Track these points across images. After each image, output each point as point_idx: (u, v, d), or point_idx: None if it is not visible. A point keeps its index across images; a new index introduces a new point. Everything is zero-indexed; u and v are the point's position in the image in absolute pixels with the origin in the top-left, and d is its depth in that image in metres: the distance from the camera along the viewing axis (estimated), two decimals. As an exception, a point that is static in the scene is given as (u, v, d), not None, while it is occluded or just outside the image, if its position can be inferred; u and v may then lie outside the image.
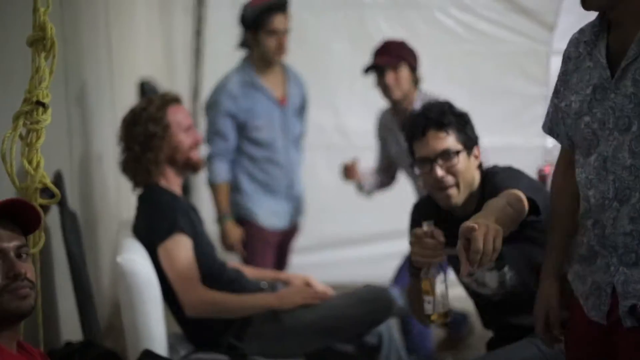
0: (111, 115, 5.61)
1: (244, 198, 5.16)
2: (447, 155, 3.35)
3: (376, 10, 6.88)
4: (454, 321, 3.64)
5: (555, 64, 2.83)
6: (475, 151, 3.44)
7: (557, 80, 2.73)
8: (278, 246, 5.37)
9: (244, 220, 5.19)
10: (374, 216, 5.67)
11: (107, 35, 5.57)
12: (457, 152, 3.36)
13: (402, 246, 5.35)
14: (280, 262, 5.48)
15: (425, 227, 3.03)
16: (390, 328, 4.09)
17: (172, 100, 4.01)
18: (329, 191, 6.44)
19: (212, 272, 3.88)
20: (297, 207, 5.35)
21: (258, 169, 5.08)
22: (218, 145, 4.95)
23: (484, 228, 2.47)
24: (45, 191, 3.17)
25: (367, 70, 4.96)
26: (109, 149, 5.43)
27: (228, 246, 4.95)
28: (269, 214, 5.18)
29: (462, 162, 3.36)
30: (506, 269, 3.37)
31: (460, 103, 6.47)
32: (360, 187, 5.24)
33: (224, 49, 6.99)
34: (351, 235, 5.90)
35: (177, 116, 3.98)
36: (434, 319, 3.04)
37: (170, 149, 3.95)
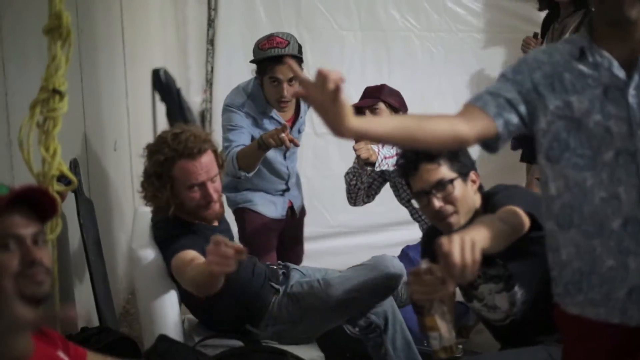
0: (125, 104, 5.65)
1: (241, 193, 5.19)
2: (441, 185, 3.39)
3: (387, 0, 6.90)
4: (457, 313, 3.66)
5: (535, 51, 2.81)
6: (472, 176, 3.47)
7: (539, 81, 2.66)
8: (284, 235, 5.40)
9: (242, 208, 5.21)
10: (384, 205, 5.68)
11: (121, 24, 5.60)
12: (452, 180, 3.39)
13: (411, 234, 5.41)
14: (293, 251, 5.51)
15: (423, 264, 3.04)
16: (395, 310, 4.11)
17: (188, 153, 3.67)
18: (341, 179, 6.47)
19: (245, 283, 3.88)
20: (294, 200, 5.38)
21: (259, 178, 5.07)
22: (237, 137, 4.83)
23: (458, 241, 2.43)
24: (61, 178, 3.21)
25: None
26: (123, 137, 5.47)
27: (275, 138, 4.41)
28: (266, 202, 5.19)
29: (458, 189, 3.40)
30: (516, 288, 3.40)
31: (471, 91, 6.51)
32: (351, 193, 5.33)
33: (237, 38, 7.03)
34: (362, 223, 5.94)
35: (185, 173, 3.69)
36: (441, 354, 3.03)
37: (177, 203, 3.74)
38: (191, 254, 3.44)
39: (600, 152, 2.54)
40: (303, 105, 5.11)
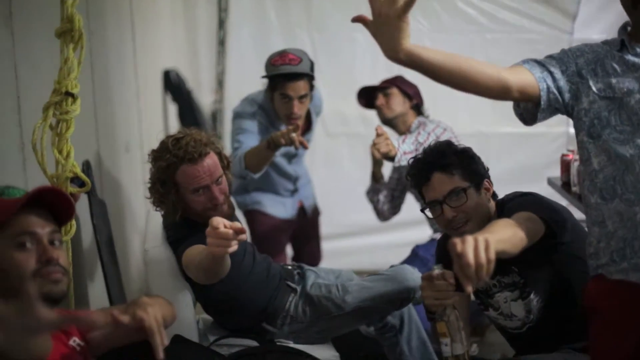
0: (136, 105, 5.65)
1: (250, 195, 5.20)
2: (454, 194, 3.34)
3: None
4: (472, 311, 3.66)
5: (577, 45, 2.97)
6: (485, 184, 3.44)
7: (582, 66, 2.87)
8: (298, 235, 5.42)
9: (251, 210, 5.23)
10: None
11: (132, 26, 5.60)
12: (464, 190, 3.35)
13: (422, 233, 5.41)
14: (308, 251, 5.53)
15: (436, 270, 3.02)
16: (411, 309, 4.12)
17: (189, 158, 3.63)
18: (353, 180, 6.47)
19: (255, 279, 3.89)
20: (305, 200, 5.39)
21: (266, 179, 5.09)
22: (247, 139, 4.80)
23: (471, 241, 2.45)
24: (74, 180, 3.22)
25: (360, 94, 5.30)
26: (135, 139, 5.47)
27: (286, 137, 4.43)
28: (275, 203, 5.22)
29: (471, 198, 3.35)
30: (532, 295, 3.37)
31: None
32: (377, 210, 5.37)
33: (248, 40, 7.04)
34: (374, 224, 5.94)
35: (187, 177, 3.66)
36: None
37: (183, 207, 3.73)
38: (200, 247, 3.41)
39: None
40: (314, 118, 5.13)
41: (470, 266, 2.41)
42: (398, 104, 5.11)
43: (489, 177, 3.48)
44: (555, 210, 3.26)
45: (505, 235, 2.72)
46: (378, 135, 4.32)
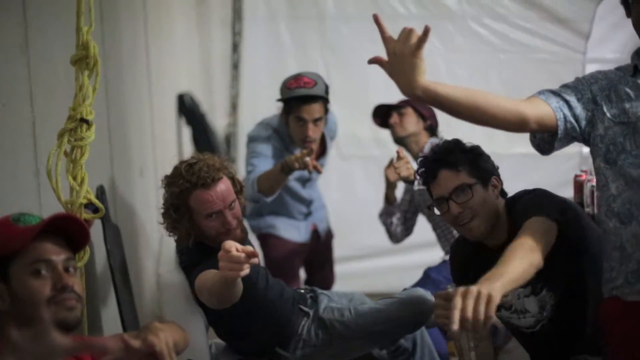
0: (150, 129, 5.67)
1: (264, 218, 5.21)
2: (460, 190, 3.36)
3: (411, 21, 6.82)
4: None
5: (591, 72, 2.99)
6: (493, 181, 3.44)
7: (597, 93, 2.90)
8: (311, 258, 5.42)
9: (265, 234, 5.24)
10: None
11: (146, 51, 5.63)
12: (470, 186, 3.36)
13: (434, 255, 5.39)
14: (322, 274, 5.53)
15: (449, 289, 3.02)
16: (423, 333, 4.12)
17: (202, 184, 3.61)
18: (367, 201, 6.45)
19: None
20: (319, 223, 5.39)
21: (280, 203, 5.10)
22: (261, 162, 4.80)
23: (474, 295, 2.49)
24: (88, 206, 3.24)
25: (375, 113, 5.23)
26: (149, 163, 5.49)
27: (300, 162, 4.47)
28: (289, 227, 5.22)
29: (477, 194, 3.36)
30: (545, 291, 3.36)
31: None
32: (390, 232, 5.34)
33: (261, 62, 7.05)
34: (387, 246, 5.94)
35: (201, 203, 3.63)
36: None
37: (197, 232, 3.71)
38: (213, 271, 3.37)
39: None
40: (328, 142, 5.14)
41: (467, 320, 2.45)
42: (411, 123, 5.10)
43: (498, 175, 3.49)
44: (566, 206, 3.26)
45: (519, 271, 2.73)
46: (399, 158, 4.33)
